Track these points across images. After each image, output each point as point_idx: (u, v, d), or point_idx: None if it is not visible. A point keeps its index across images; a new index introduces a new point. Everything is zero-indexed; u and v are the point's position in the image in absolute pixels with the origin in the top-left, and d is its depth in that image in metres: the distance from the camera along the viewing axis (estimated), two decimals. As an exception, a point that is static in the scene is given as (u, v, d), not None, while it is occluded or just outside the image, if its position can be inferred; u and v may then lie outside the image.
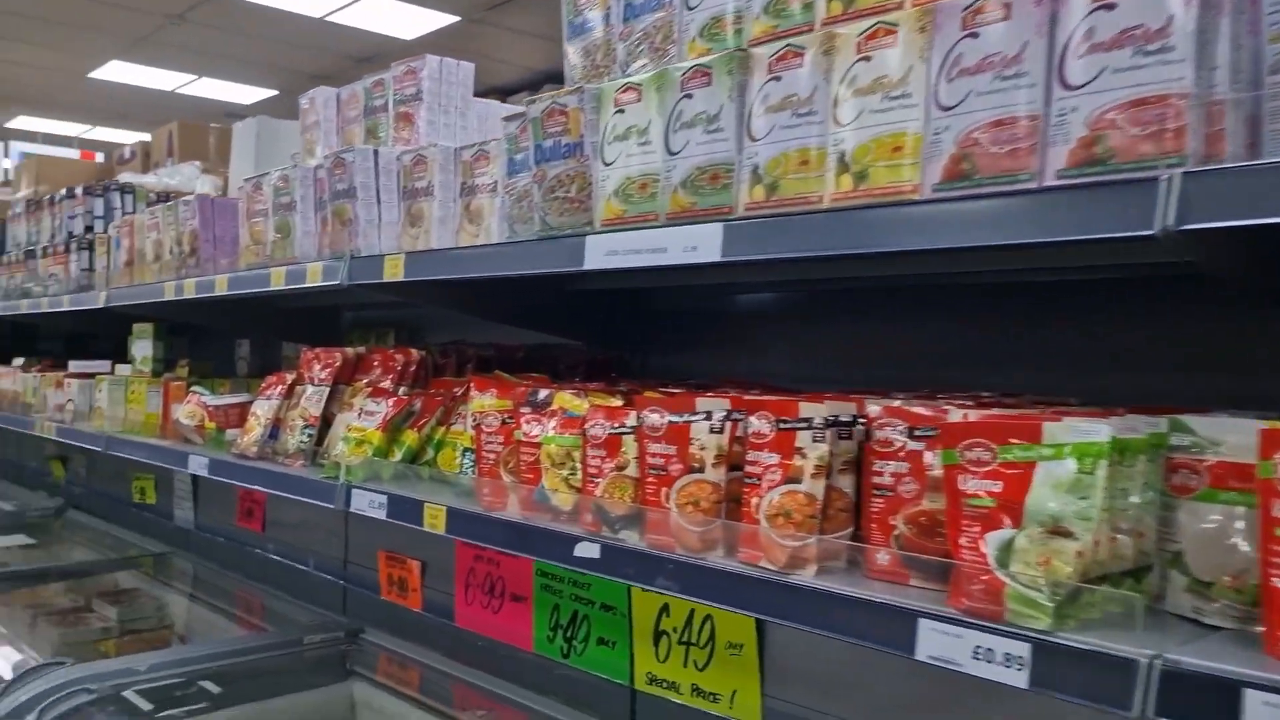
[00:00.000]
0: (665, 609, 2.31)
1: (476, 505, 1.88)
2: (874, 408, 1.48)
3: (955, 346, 2.14)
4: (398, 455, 2.05)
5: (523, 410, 1.86)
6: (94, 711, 2.46)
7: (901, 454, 1.42)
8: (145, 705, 2.51)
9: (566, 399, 1.84)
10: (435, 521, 1.74)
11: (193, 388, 2.59)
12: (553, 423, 1.78)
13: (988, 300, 2.08)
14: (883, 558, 1.41)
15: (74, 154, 11.40)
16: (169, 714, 2.51)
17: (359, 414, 2.06)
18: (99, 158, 8.55)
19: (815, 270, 2.14)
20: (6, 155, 10.26)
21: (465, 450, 2.04)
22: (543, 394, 1.89)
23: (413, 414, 2.04)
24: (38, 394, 3.49)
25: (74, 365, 3.38)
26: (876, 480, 1.44)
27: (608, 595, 2.44)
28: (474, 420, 1.94)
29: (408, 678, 2.83)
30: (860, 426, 1.48)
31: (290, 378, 2.29)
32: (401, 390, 2.21)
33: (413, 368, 2.28)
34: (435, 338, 3.17)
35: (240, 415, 2.38)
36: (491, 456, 1.90)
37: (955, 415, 1.40)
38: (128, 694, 2.52)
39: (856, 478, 1.49)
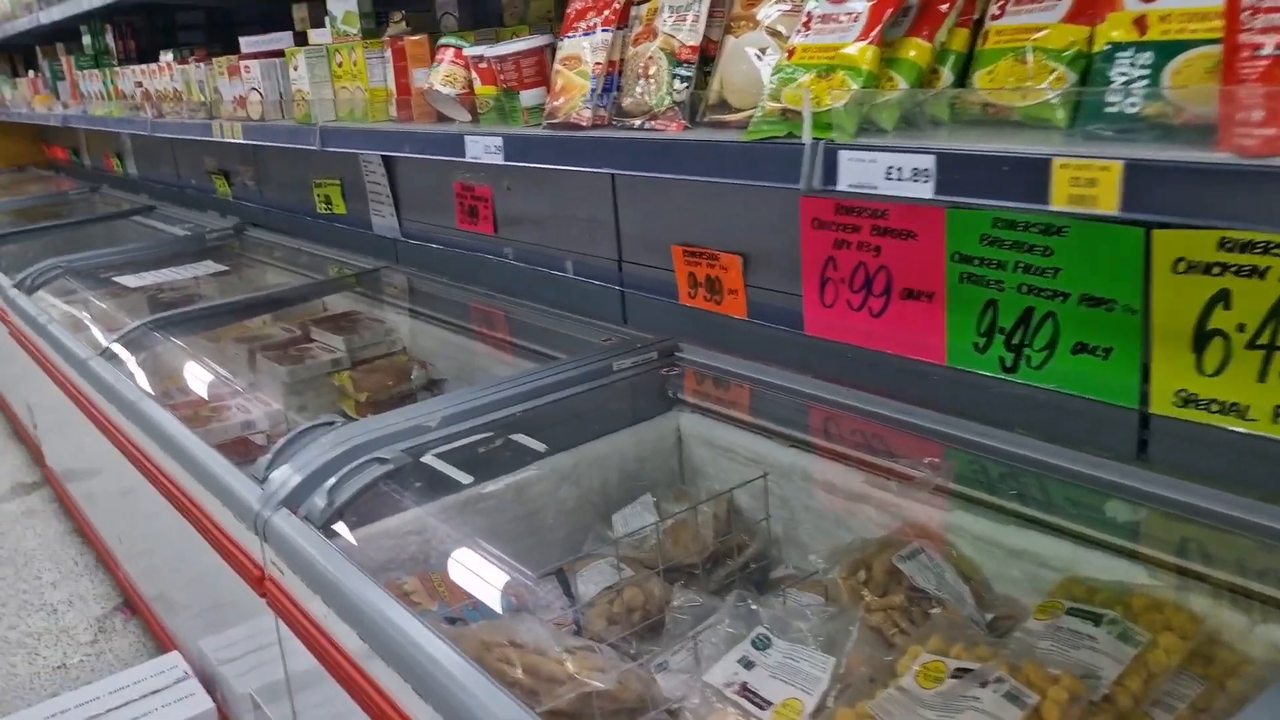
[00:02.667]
0: (1224, 297, 1.51)
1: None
2: None
3: None
4: (898, 85, 1.17)
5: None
6: (398, 486, 1.89)
7: None
8: (454, 471, 1.93)
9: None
10: (1093, 190, 0.93)
11: (441, 41, 1.79)
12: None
13: None
14: None
15: None
16: (488, 483, 1.93)
17: (785, 31, 1.21)
18: None
19: None
20: None
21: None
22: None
23: (909, 10, 1.16)
24: (206, 88, 2.75)
25: (247, 42, 2.59)
26: None
27: (1095, 281, 1.66)
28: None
29: (761, 404, 2.18)
30: None
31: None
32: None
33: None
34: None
35: (537, 68, 1.58)
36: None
37: None
38: (429, 459, 1.94)
39: None
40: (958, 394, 1.93)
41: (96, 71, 3.70)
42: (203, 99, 2.80)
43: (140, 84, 3.26)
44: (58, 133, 8.03)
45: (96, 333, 3.28)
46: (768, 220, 2.24)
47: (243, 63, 2.48)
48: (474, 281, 3.23)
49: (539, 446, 2.09)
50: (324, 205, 4.08)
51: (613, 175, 2.61)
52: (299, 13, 2.96)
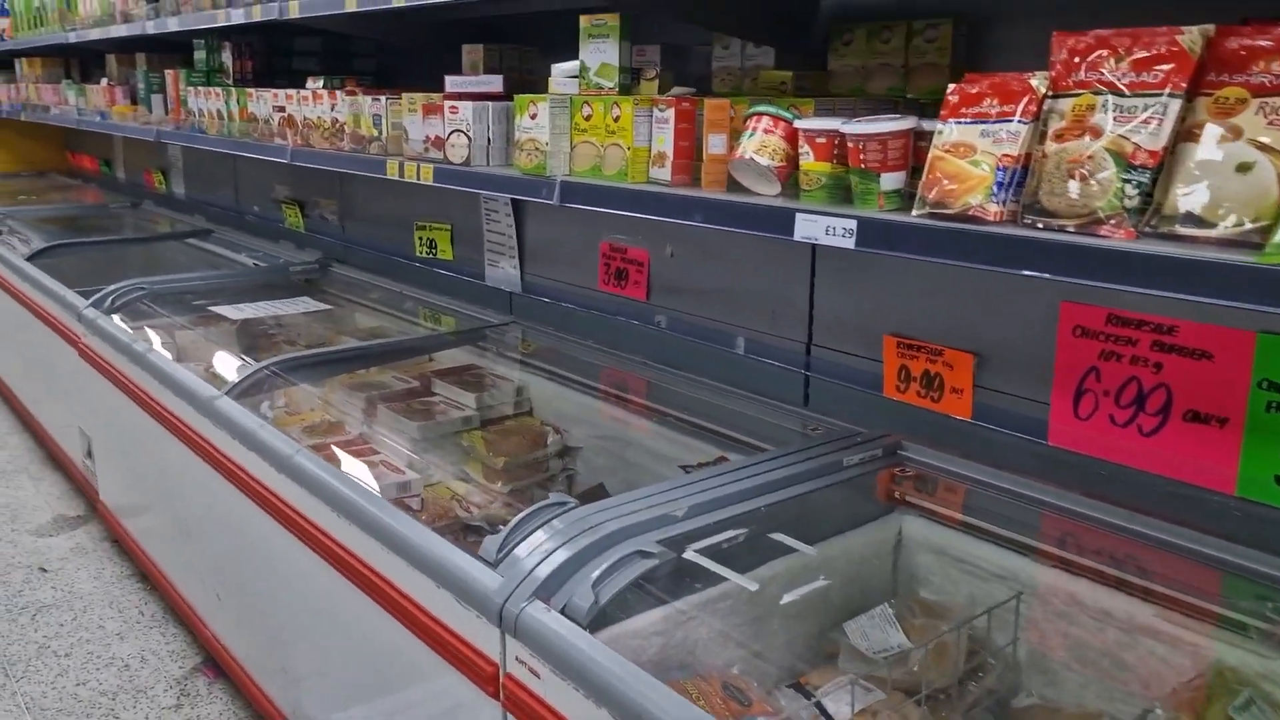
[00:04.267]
0: None
1: None
2: None
3: None
4: None
5: None
6: (660, 580, 1.72)
7: None
8: (714, 566, 1.77)
9: None
10: None
11: (757, 109, 1.66)
12: None
13: None
14: None
15: None
16: (724, 582, 1.77)
17: (1274, 144, 1.10)
18: None
19: None
20: None
21: None
22: None
23: None
24: (384, 123, 2.59)
25: (454, 82, 2.44)
26: None
27: None
28: None
29: (1001, 512, 2.04)
30: None
31: (1034, 85, 1.32)
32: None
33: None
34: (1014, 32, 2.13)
35: (903, 150, 1.45)
36: None
37: None
38: (691, 554, 1.78)
39: None
40: (1247, 526, 1.81)
41: (216, 90, 3.53)
42: (375, 134, 2.65)
43: (283, 109, 3.10)
44: (86, 140, 7.80)
45: (216, 369, 3.08)
46: (1010, 320, 2.13)
47: (448, 102, 2.33)
48: (615, 346, 3.08)
49: (774, 544, 1.94)
50: (426, 249, 3.92)
51: (813, 250, 2.50)
52: (471, 54, 2.83)
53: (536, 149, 2.10)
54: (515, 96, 2.19)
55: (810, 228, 1.54)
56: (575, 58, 3.08)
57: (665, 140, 1.85)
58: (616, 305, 3.11)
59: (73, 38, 4.85)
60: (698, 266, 2.83)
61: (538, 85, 2.57)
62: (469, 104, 2.30)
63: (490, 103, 2.32)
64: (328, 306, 3.74)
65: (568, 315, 3.28)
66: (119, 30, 4.18)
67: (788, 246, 2.55)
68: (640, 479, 2.82)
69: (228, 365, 3.10)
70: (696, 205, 1.74)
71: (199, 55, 3.75)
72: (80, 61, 6.14)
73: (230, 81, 3.70)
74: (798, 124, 1.63)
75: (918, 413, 2.31)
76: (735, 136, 1.74)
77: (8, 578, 3.64)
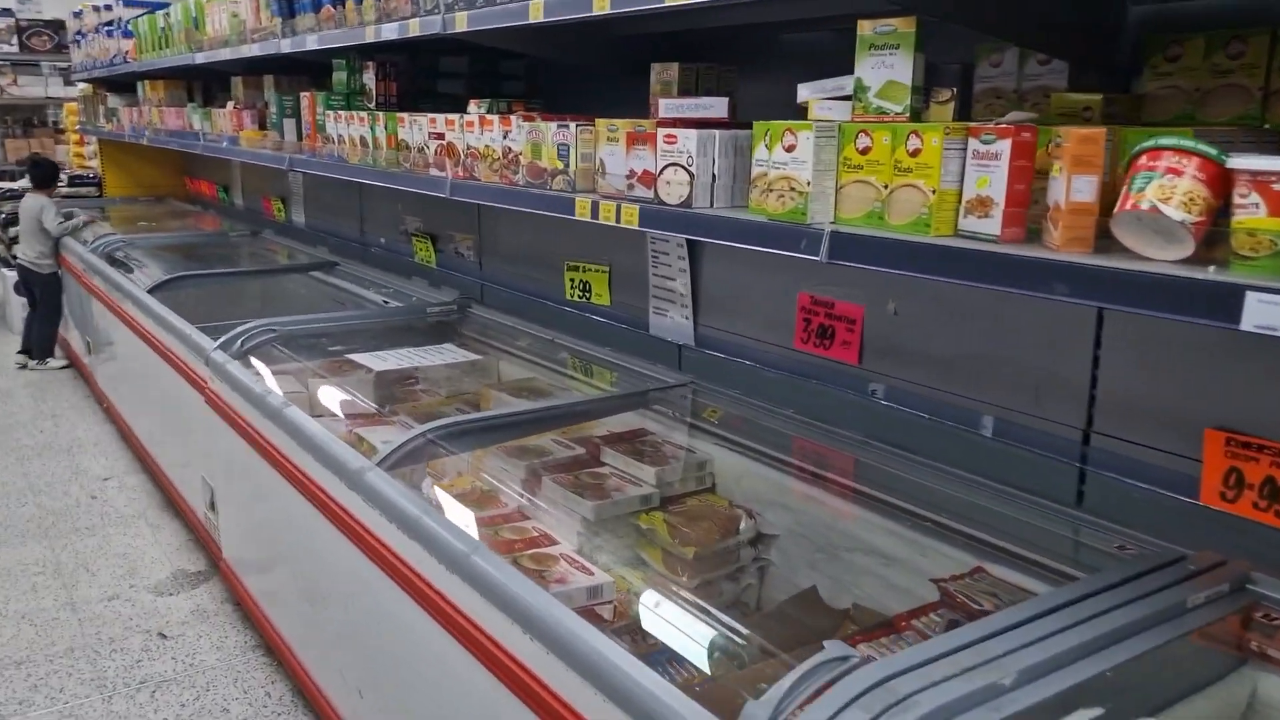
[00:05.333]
0: None
1: None
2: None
3: None
4: None
5: None
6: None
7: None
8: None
9: None
10: None
11: (1161, 141, 1.20)
12: None
13: None
14: None
15: None
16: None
17: None
18: None
19: None
20: None
21: None
22: None
23: None
24: (569, 155, 2.20)
25: (670, 106, 2.04)
26: None
27: None
28: None
29: None
30: None
31: None
32: None
33: None
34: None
35: None
36: None
37: None
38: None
39: None
40: None
41: (360, 115, 3.21)
42: (560, 166, 2.26)
43: (441, 136, 2.74)
44: (204, 165, 7.69)
45: (362, 432, 2.73)
46: None
47: (663, 130, 1.93)
48: (815, 417, 2.63)
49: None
50: (579, 292, 3.54)
51: (1099, 313, 2.02)
52: (663, 73, 2.43)
53: (792, 189, 1.67)
54: (755, 124, 1.77)
55: (1272, 313, 1.08)
56: (779, 76, 2.67)
57: (993, 182, 1.41)
58: (817, 368, 2.67)
59: (200, 58, 4.62)
60: (930, 327, 2.37)
61: (747, 111, 2.16)
62: (691, 133, 1.89)
63: (716, 131, 1.90)
64: (473, 356, 3.38)
65: (752, 376, 2.85)
66: (251, 50, 3.92)
67: (1062, 308, 2.09)
68: (858, 580, 2.37)
69: (378, 428, 2.75)
70: (1060, 274, 1.29)
71: (338, 76, 3.44)
72: (204, 84, 5.97)
73: (373, 105, 3.37)
74: (1234, 163, 1.17)
75: (1252, 529, 1.81)
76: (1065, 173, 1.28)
77: (127, 643, 3.35)
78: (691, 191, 1.90)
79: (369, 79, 3.36)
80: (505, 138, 2.45)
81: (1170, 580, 1.68)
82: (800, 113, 1.76)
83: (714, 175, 1.91)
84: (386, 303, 4.27)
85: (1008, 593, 1.96)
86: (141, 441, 4.92)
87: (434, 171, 2.81)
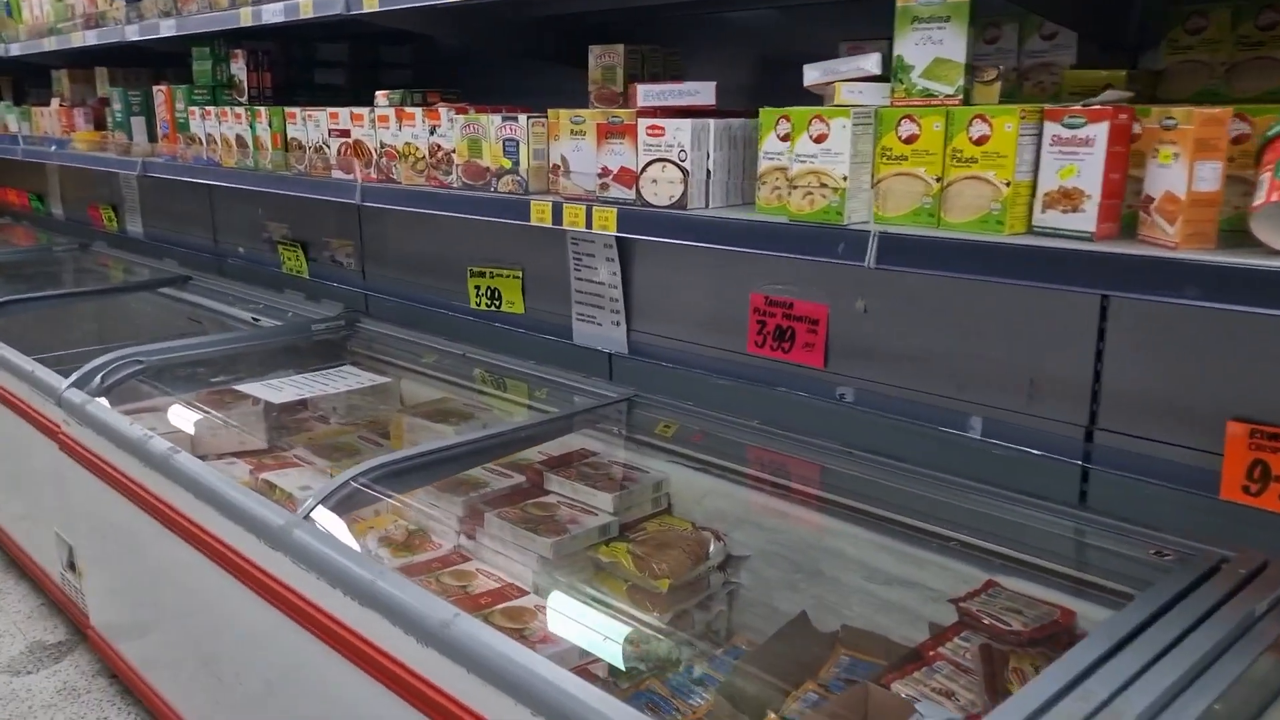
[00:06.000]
0: None
1: None
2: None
3: None
4: None
5: None
6: None
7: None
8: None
9: None
10: None
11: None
12: None
13: None
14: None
15: None
16: None
17: None
18: None
19: None
20: None
21: None
22: None
23: None
24: (519, 152, 1.90)
25: (649, 92, 1.76)
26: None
27: None
28: None
29: None
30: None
31: None
32: None
33: None
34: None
35: None
36: None
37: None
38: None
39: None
40: None
41: (237, 111, 2.80)
42: (508, 165, 1.98)
43: (346, 134, 2.40)
44: (10, 170, 6.86)
45: (272, 478, 2.37)
46: None
47: (645, 120, 1.67)
48: (776, 425, 2.46)
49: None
50: (486, 302, 3.25)
51: (1103, 300, 1.91)
52: (605, 56, 2.18)
53: (823, 185, 1.47)
54: (762, 111, 1.55)
55: None
56: (713, 57, 2.46)
57: (1083, 171, 1.25)
58: (774, 373, 2.49)
59: (16, 49, 4.04)
60: (904, 324, 2.23)
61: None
62: (685, 123, 1.65)
63: (711, 120, 1.68)
64: (379, 378, 3.04)
65: (700, 385, 2.65)
66: (85, 38, 3.41)
67: (1058, 297, 1.98)
68: (845, 601, 2.21)
69: (285, 471, 2.40)
70: (1192, 275, 1.13)
71: (200, 67, 3.02)
72: (13, 80, 5.29)
73: (245, 99, 2.97)
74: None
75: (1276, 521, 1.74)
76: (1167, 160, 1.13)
77: (-21, 739, 2.87)
78: (686, 190, 1.67)
79: (238, 70, 2.96)
80: (433, 134, 2.15)
81: (1229, 588, 1.58)
82: (806, 98, 1.56)
83: (709, 171, 1.69)
84: (257, 320, 3.84)
85: (1032, 607, 1.84)
86: (-30, 492, 4.30)
87: (338, 174, 2.47)
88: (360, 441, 2.98)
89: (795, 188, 1.50)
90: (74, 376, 3.04)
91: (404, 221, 3.56)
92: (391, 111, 2.25)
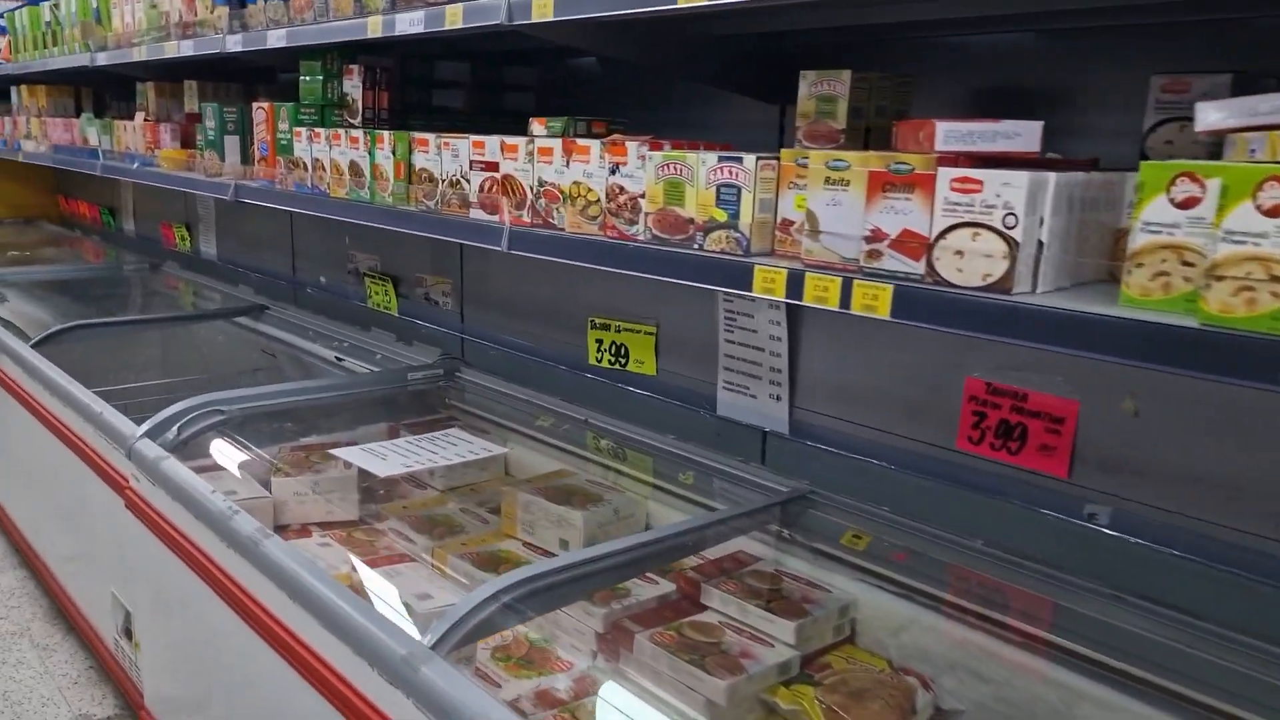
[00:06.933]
0: None
1: None
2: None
3: None
4: None
5: None
6: None
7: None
8: None
9: None
10: None
11: None
12: None
13: None
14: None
15: None
16: None
17: None
18: None
19: None
20: None
21: None
22: None
23: None
24: (740, 201, 1.48)
25: (951, 133, 1.34)
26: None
27: None
28: None
29: None
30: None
31: None
32: None
33: None
34: None
35: None
36: None
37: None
38: None
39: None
40: None
41: (354, 135, 2.40)
42: (723, 218, 1.55)
43: (493, 167, 1.99)
44: (84, 183, 6.61)
45: (380, 590, 1.96)
46: None
47: (949, 170, 1.23)
48: (995, 543, 1.99)
49: None
50: (609, 359, 2.82)
51: None
52: (820, 85, 1.75)
53: (1276, 278, 1.01)
54: (1145, 165, 1.10)
55: None
56: (957, 94, 2.02)
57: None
58: (994, 477, 2.03)
59: (103, 59, 3.72)
60: (1188, 435, 1.76)
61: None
62: (1020, 176, 1.19)
63: (1051, 174, 1.23)
64: (495, 447, 2.61)
65: (887, 482, 2.19)
66: (182, 49, 3.07)
67: None
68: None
69: (396, 569, 1.98)
70: None
71: (309, 83, 2.63)
72: (94, 91, 5.01)
73: (358, 121, 2.59)
74: None
75: None
76: None
77: (14, 842, 2.47)
78: (1012, 268, 1.22)
79: (352, 87, 2.57)
80: (615, 173, 1.73)
81: None
82: (1206, 150, 1.12)
83: (1040, 242, 1.24)
84: (341, 360, 3.46)
85: None
86: (23, 534, 3.95)
87: (478, 214, 2.06)
88: (462, 515, 2.56)
89: (1219, 279, 1.05)
90: (147, 425, 2.65)
91: (513, 260, 3.15)
92: (557, 144, 1.83)
